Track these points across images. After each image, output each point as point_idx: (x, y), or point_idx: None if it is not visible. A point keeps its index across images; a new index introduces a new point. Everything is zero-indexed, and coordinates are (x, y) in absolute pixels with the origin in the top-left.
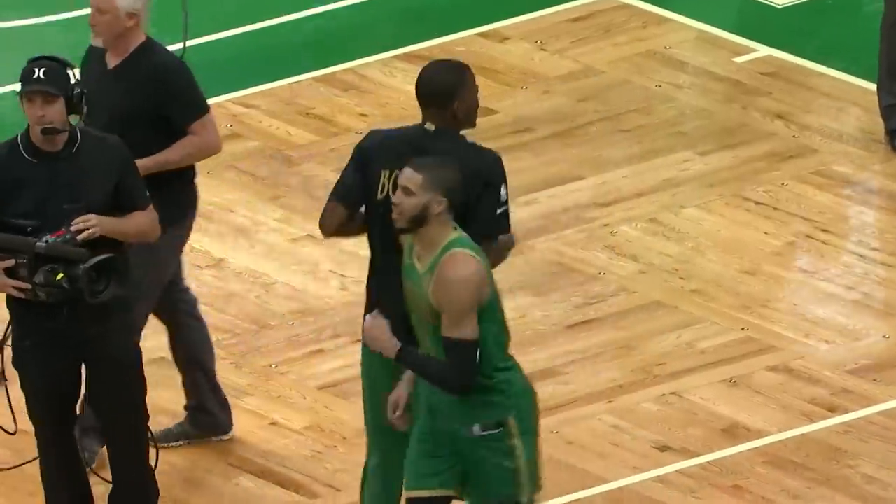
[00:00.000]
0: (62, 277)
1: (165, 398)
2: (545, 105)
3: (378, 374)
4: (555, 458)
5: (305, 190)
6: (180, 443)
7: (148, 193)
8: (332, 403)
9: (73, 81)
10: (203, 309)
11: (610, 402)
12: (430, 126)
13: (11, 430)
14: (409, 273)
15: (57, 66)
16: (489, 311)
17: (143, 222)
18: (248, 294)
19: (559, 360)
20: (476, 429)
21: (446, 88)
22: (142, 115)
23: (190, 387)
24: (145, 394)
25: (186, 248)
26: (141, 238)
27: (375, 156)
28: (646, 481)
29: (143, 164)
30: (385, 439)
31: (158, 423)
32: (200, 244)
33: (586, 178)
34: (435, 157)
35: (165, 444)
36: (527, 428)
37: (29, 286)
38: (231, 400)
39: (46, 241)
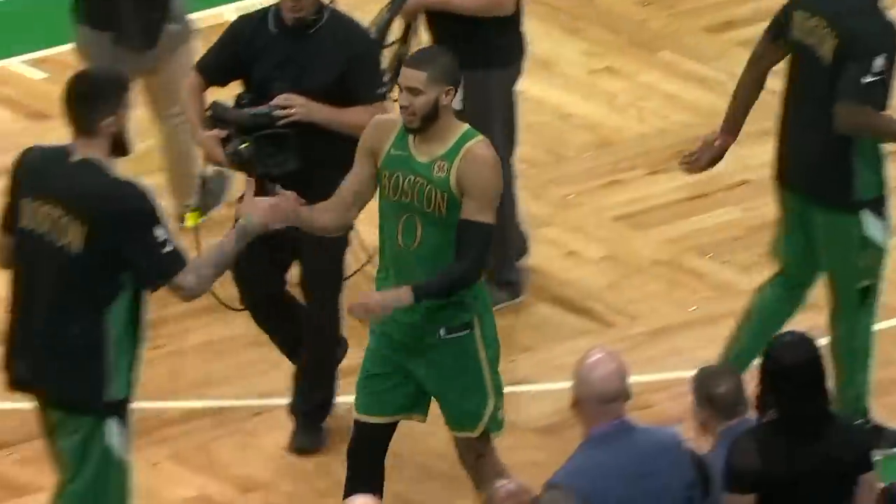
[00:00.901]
0: (245, 146)
1: None
2: None
3: None
4: None
5: (605, 24)
6: None
7: (379, 91)
8: (627, 234)
9: None
10: None
11: None
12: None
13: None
14: (406, 164)
15: None
16: None
17: (361, 118)
18: (547, 125)
19: None
20: (442, 332)
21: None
22: None
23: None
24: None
25: None
26: (351, 130)
27: None
28: None
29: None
30: None
31: None
32: None
33: None
34: (427, 49)
35: None
36: (490, 337)
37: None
38: (531, 230)
39: (240, 111)
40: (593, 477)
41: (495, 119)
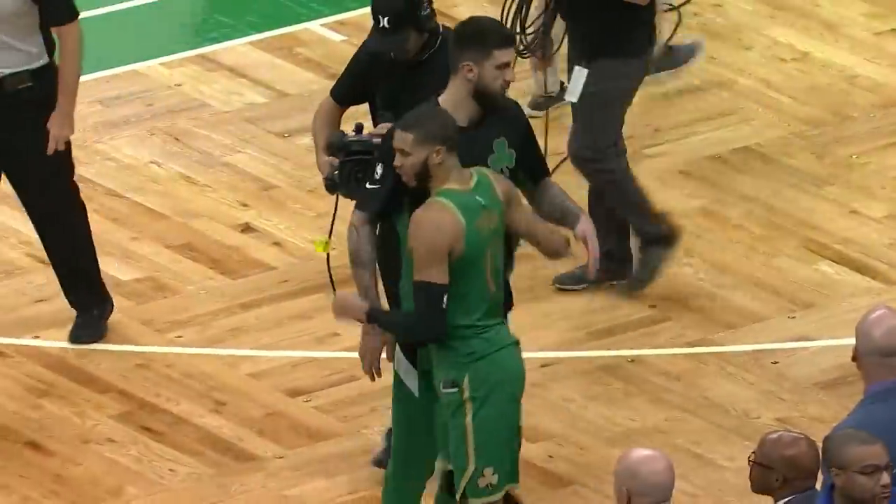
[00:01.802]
0: (337, 172)
1: None
2: None
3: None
4: None
5: None
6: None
7: None
8: None
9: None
10: (784, 101)
11: None
12: None
13: None
14: None
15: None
16: (459, 268)
17: None
18: (831, 87)
19: None
20: (441, 384)
21: None
22: None
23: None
24: None
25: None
26: None
27: None
28: None
29: None
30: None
31: None
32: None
33: None
34: (417, 111)
35: None
36: (483, 399)
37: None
38: (811, 189)
39: (342, 138)
40: (874, 432)
41: (618, 106)
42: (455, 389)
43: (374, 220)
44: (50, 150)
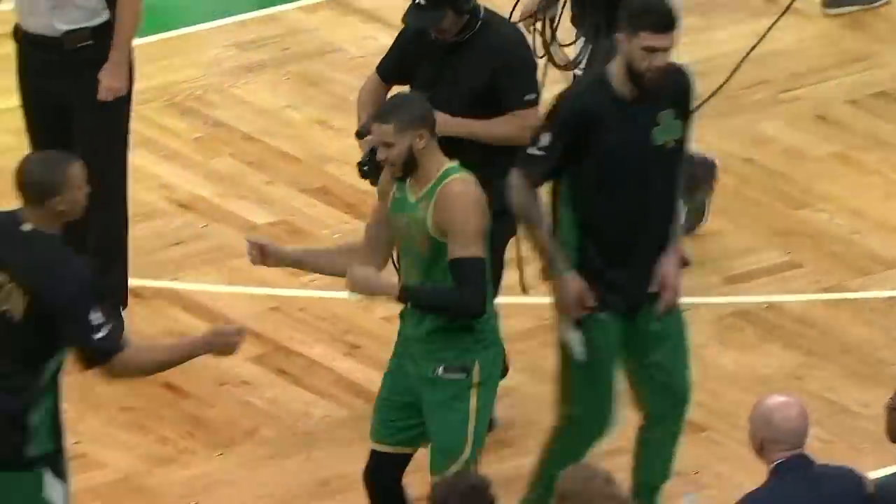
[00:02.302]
0: (368, 158)
1: None
2: None
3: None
4: None
5: None
6: None
7: (528, 98)
8: None
9: None
10: None
11: None
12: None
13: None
14: (401, 206)
15: None
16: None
17: (502, 127)
18: None
19: None
20: (440, 370)
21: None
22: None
23: None
24: None
25: None
26: (497, 142)
27: None
28: None
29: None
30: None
31: None
32: None
33: None
34: (392, 99)
35: None
36: (487, 380)
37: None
38: None
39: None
40: None
41: None
42: (463, 375)
43: (536, 184)
44: (101, 97)
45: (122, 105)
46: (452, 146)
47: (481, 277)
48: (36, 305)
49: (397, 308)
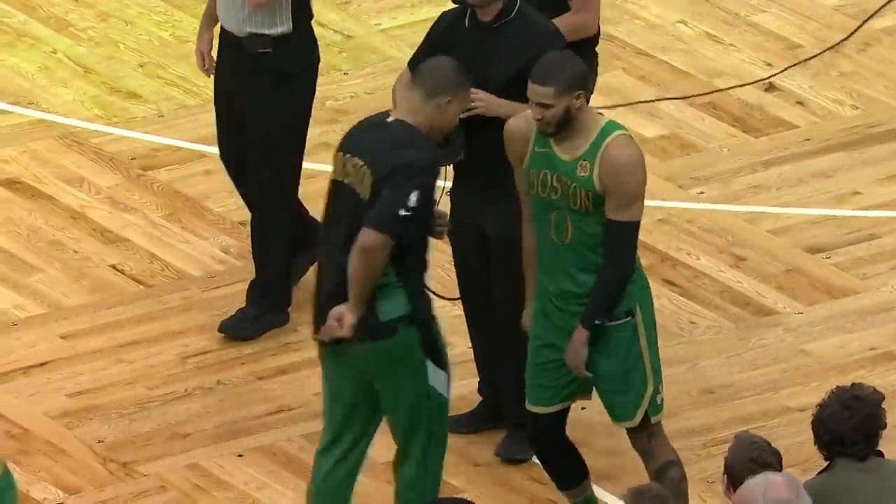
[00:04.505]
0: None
1: None
2: None
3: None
4: None
5: None
6: None
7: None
8: None
9: None
10: None
11: None
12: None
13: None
14: (549, 162)
15: None
16: None
17: None
18: None
19: None
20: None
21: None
22: None
23: None
24: None
25: None
26: None
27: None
28: None
29: None
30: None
31: None
32: None
33: None
34: (550, 59)
35: None
36: (650, 321)
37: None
38: None
39: None
40: None
41: None
42: (630, 318)
43: None
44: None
45: (298, 118)
46: (475, 130)
47: (632, 241)
48: (374, 185)
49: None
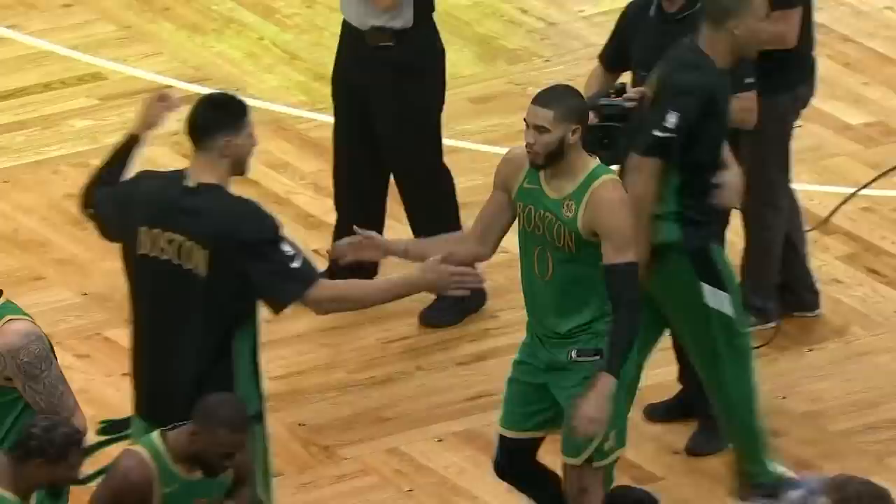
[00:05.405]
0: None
1: None
2: None
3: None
4: None
5: None
6: None
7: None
8: None
9: None
10: None
11: None
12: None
13: None
14: (536, 199)
15: None
16: None
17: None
18: None
19: None
20: (573, 353)
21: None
22: None
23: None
24: None
25: None
26: None
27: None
28: None
29: None
30: None
31: None
32: None
33: None
34: (555, 87)
35: None
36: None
37: None
38: None
39: (595, 100)
40: None
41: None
42: (597, 357)
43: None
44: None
45: (429, 114)
46: None
47: (634, 282)
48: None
49: None
